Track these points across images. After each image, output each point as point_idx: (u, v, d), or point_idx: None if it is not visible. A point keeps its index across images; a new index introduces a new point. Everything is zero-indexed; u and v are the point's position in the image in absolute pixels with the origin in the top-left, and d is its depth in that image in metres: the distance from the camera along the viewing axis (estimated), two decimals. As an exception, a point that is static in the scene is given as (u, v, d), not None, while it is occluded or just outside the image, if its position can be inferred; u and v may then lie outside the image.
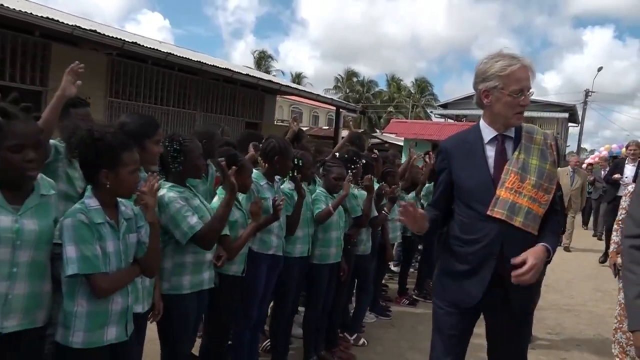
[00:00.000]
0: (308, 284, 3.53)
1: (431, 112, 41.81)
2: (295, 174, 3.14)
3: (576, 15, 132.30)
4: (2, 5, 6.73)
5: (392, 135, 21.75)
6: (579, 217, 11.74)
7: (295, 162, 3.16)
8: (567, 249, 9.47)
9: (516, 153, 2.14)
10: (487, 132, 2.19)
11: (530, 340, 2.45)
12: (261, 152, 3.11)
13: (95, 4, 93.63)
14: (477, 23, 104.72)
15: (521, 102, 2.09)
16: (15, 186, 1.86)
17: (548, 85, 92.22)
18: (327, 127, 25.78)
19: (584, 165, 12.69)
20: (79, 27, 7.77)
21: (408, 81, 52.87)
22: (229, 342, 3.03)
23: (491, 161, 2.16)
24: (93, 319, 1.89)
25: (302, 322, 3.61)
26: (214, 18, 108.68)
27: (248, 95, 13.65)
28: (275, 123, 17.18)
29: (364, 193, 3.79)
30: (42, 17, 7.22)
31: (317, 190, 3.52)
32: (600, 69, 27.65)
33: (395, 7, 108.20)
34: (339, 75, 49.72)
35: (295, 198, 3.22)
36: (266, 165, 3.10)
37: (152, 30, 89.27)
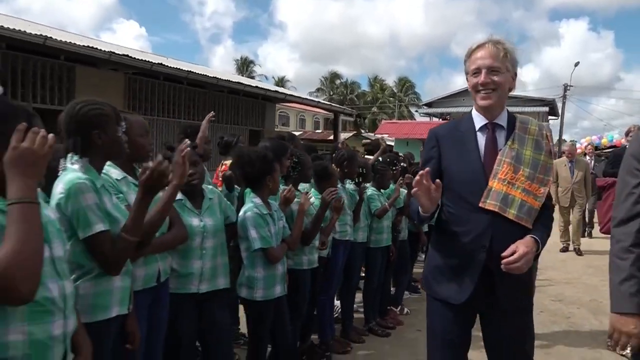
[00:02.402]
0: (366, 264, 4.40)
1: (416, 110, 42.83)
2: (360, 179, 4.02)
3: (552, 8, 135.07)
4: (47, 36, 7.49)
5: (385, 136, 22.64)
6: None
7: (360, 170, 4.03)
8: (578, 252, 8.53)
9: (509, 142, 2.07)
10: (478, 121, 2.13)
11: (531, 351, 2.17)
12: (334, 159, 3.97)
13: (69, 15, 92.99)
14: (455, 19, 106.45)
15: (479, 81, 2.03)
16: (193, 195, 2.69)
17: (527, 78, 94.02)
18: (320, 131, 26.73)
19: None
20: (114, 53, 8.56)
21: (390, 81, 53.79)
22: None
23: (482, 150, 2.09)
24: (267, 281, 2.78)
25: (363, 295, 4.48)
26: (191, 24, 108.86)
27: (250, 104, 14.45)
28: (275, 129, 18.03)
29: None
30: (83, 46, 8.01)
31: (369, 191, 4.37)
32: (577, 64, 28.82)
33: (373, 7, 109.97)
34: (322, 77, 50.71)
35: (357, 197, 4.08)
36: (338, 169, 3.95)
37: (128, 39, 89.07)
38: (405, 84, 49.12)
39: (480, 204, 2.02)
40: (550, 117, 34.31)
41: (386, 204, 4.35)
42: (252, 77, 36.24)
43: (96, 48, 8.29)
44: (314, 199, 3.37)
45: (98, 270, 1.85)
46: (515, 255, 1.88)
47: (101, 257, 1.83)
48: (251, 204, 2.83)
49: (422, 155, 2.48)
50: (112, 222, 1.85)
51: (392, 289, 5.16)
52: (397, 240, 4.71)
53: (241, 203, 2.99)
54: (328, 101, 31.71)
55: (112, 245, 1.81)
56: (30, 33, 7.38)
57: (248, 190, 2.96)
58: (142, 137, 2.23)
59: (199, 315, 2.58)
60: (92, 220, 1.79)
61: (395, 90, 49.21)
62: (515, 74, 2.09)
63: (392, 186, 4.70)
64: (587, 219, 10.13)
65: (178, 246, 2.42)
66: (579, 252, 8.46)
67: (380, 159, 4.81)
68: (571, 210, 8.59)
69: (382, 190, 4.53)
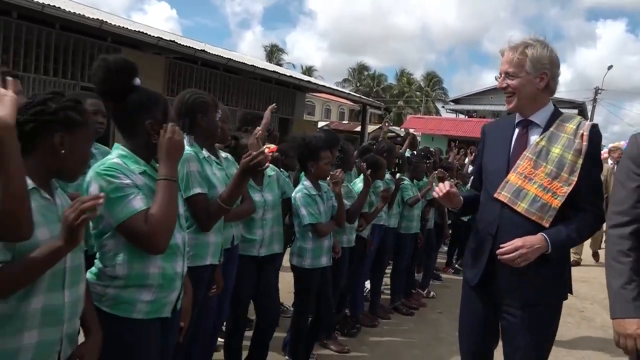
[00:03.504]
0: (396, 248, 4.79)
1: (443, 107, 42.67)
2: (396, 169, 4.40)
3: (589, 7, 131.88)
4: (102, 20, 7.99)
5: (412, 130, 22.84)
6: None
7: (397, 161, 4.42)
8: (576, 263, 7.73)
9: (538, 139, 2.10)
10: (518, 118, 2.21)
11: (546, 348, 2.14)
12: (375, 150, 4.35)
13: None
14: (489, 14, 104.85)
15: (497, 85, 2.19)
16: (255, 174, 3.11)
17: (559, 79, 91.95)
18: (346, 122, 27.11)
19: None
20: (162, 38, 9.05)
21: (417, 74, 53.46)
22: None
23: (513, 145, 2.17)
24: (315, 251, 3.21)
25: (390, 277, 4.88)
26: (221, 8, 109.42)
27: (282, 93, 14.85)
28: (304, 118, 18.48)
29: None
30: (134, 30, 8.52)
31: (404, 182, 4.74)
32: (610, 67, 28.36)
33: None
34: (350, 68, 50.81)
35: (393, 186, 4.47)
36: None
37: (159, 21, 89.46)
38: (432, 79, 48.83)
39: (495, 194, 2.10)
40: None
41: (419, 194, 4.73)
42: (280, 65, 36.66)
43: (146, 33, 8.78)
44: (361, 184, 3.79)
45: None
46: (508, 247, 1.95)
47: (196, 215, 2.26)
48: (301, 186, 3.27)
49: None
50: (211, 187, 2.29)
51: (417, 274, 5.55)
52: (424, 228, 5.09)
53: (296, 184, 3.41)
54: (355, 92, 32.10)
55: (206, 205, 2.24)
56: (89, 17, 7.90)
57: (302, 173, 3.38)
58: (225, 124, 2.65)
59: (258, 277, 3.01)
60: (192, 184, 2.23)
61: (423, 85, 48.98)
62: (545, 74, 2.08)
63: (425, 179, 5.06)
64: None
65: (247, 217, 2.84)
66: (595, 257, 8.17)
67: (409, 150, 5.18)
68: None
69: (414, 181, 4.91)
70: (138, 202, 1.67)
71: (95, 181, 1.68)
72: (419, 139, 20.41)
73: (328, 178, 3.27)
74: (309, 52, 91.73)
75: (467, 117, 32.39)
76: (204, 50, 10.15)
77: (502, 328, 2.17)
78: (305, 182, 3.29)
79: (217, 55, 10.57)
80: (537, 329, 2.09)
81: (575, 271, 6.91)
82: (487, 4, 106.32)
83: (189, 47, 9.80)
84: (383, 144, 4.32)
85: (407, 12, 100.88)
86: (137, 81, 1.84)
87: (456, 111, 36.23)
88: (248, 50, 67.31)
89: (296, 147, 3.36)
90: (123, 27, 8.40)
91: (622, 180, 1.88)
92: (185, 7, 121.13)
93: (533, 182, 2.04)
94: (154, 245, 1.68)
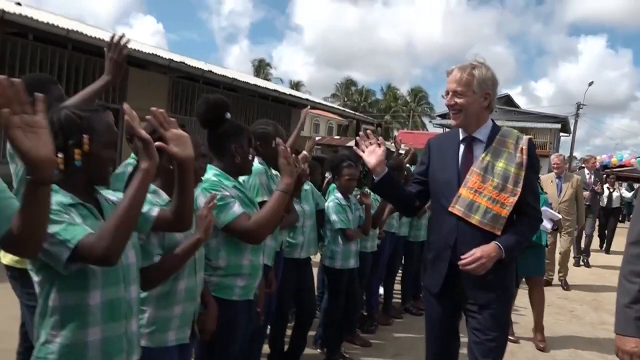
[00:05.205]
0: (405, 255, 5.28)
1: (430, 121, 43.54)
2: (404, 181, 4.90)
3: (571, 23, 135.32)
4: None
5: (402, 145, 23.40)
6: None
7: (405, 174, 4.92)
8: (564, 286, 7.05)
9: (482, 155, 2.27)
10: (461, 134, 2.37)
11: (500, 342, 2.32)
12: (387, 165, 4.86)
13: (88, 7, 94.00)
14: (473, 31, 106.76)
15: (445, 102, 2.33)
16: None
17: (542, 93, 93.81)
18: (338, 137, 27.78)
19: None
20: (173, 60, 9.55)
21: (403, 89, 54.29)
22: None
23: (460, 161, 2.33)
24: (344, 254, 3.71)
25: (401, 281, 5.37)
26: (207, 23, 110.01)
27: (278, 109, 15.36)
28: (300, 134, 18.99)
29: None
30: (149, 53, 8.99)
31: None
32: (591, 84, 29.50)
33: (391, 13, 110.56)
34: (338, 83, 51.53)
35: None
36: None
37: (145, 35, 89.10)
38: (418, 94, 49.73)
39: (449, 208, 2.26)
40: (562, 133, 34.95)
41: (425, 207, 5.19)
42: (268, 80, 37.20)
43: (159, 55, 9.27)
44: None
45: None
46: (469, 258, 2.14)
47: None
48: (333, 197, 3.81)
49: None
50: None
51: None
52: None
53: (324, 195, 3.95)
54: (342, 107, 32.79)
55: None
56: (103, 39, 8.35)
57: (332, 186, 3.89)
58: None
59: (297, 277, 3.48)
60: (261, 193, 2.68)
61: (409, 100, 49.85)
62: (488, 94, 2.27)
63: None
64: (583, 245, 9.08)
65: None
66: (565, 286, 7.01)
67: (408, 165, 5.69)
68: (559, 235, 6.96)
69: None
70: (237, 208, 2.16)
71: (203, 195, 2.16)
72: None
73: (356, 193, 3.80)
74: (296, 66, 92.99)
75: (454, 131, 33.07)
76: (211, 71, 10.67)
77: (468, 324, 2.35)
78: (336, 194, 3.81)
79: (222, 75, 11.10)
80: (500, 321, 2.30)
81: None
82: (472, 20, 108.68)
83: (198, 67, 10.32)
84: (392, 161, 4.80)
85: (393, 27, 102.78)
86: (228, 115, 2.32)
87: (443, 126, 37.03)
88: (235, 64, 68.15)
89: (326, 164, 3.86)
90: (136, 49, 8.83)
91: None
92: (171, 22, 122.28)
93: (483, 195, 2.21)
94: (255, 237, 2.17)
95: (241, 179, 2.44)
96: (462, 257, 2.17)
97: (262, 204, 2.69)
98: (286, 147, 2.19)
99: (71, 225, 1.35)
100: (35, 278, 1.45)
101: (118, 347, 1.51)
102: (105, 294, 1.47)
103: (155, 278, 1.77)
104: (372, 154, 2.36)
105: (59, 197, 1.40)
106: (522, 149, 2.25)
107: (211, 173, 2.27)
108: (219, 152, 2.32)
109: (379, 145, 2.35)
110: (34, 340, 1.49)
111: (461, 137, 2.36)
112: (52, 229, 1.31)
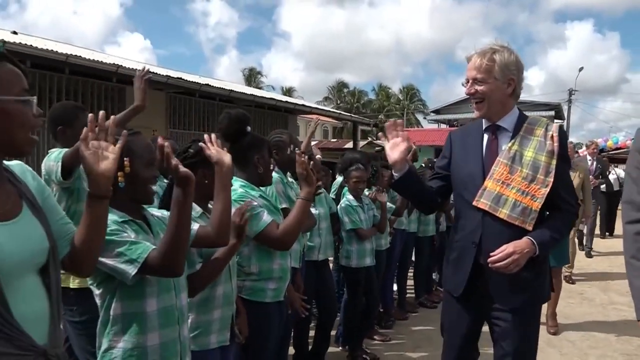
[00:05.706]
0: (416, 250, 5.41)
1: (424, 118, 43.70)
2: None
3: (557, 10, 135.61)
4: (119, 65, 8.60)
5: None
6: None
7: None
8: (569, 280, 6.62)
9: (509, 144, 2.09)
10: (485, 124, 2.21)
11: (535, 348, 2.19)
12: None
13: (75, 28, 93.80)
14: (460, 24, 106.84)
15: (465, 91, 2.16)
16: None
17: (533, 81, 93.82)
18: (334, 140, 27.97)
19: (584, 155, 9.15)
20: (170, 76, 9.69)
21: (395, 88, 54.34)
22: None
23: (484, 152, 2.16)
24: (359, 253, 3.85)
25: (413, 276, 5.50)
26: (195, 36, 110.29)
27: (275, 117, 15.50)
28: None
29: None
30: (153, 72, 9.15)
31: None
32: (581, 69, 29.76)
33: (377, 13, 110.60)
34: (330, 86, 51.72)
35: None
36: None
37: (133, 52, 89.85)
38: (409, 92, 49.93)
39: (474, 202, 2.08)
40: (556, 120, 35.11)
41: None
42: (260, 88, 37.35)
43: (156, 73, 9.40)
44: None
45: None
46: (499, 254, 1.94)
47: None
48: (345, 199, 3.95)
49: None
50: (292, 204, 2.88)
51: (434, 274, 6.18)
52: (438, 231, 5.72)
53: (338, 198, 4.07)
54: (336, 109, 33.03)
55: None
56: (106, 62, 8.50)
57: (345, 188, 4.03)
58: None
59: (317, 278, 3.61)
60: (280, 201, 2.82)
61: (401, 98, 50.05)
62: (512, 80, 2.09)
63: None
64: (586, 230, 8.63)
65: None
66: (569, 280, 6.60)
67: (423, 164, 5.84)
68: None
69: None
70: (267, 217, 2.29)
71: (233, 207, 2.28)
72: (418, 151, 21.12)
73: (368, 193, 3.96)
74: (287, 73, 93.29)
75: (449, 126, 33.33)
76: (207, 85, 10.82)
77: (494, 333, 2.17)
78: (348, 196, 3.95)
79: (219, 87, 11.24)
80: (528, 331, 2.12)
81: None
82: (458, 14, 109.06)
83: (196, 82, 10.47)
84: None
85: (380, 27, 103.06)
86: (249, 128, 2.46)
87: (438, 121, 37.22)
88: (225, 75, 68.14)
89: (337, 167, 4.02)
90: (134, 68, 8.98)
91: (632, 174, 1.78)
92: (159, 37, 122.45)
93: (511, 187, 2.03)
94: (283, 244, 2.31)
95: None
96: (492, 253, 1.97)
97: (282, 211, 2.85)
98: (304, 157, 2.29)
99: (134, 244, 1.51)
100: (96, 291, 1.59)
101: (173, 351, 1.65)
102: (160, 302, 1.61)
103: (199, 284, 1.90)
104: (395, 148, 2.12)
105: (113, 216, 1.53)
106: (552, 136, 2.09)
107: (237, 185, 2.40)
108: (243, 163, 2.45)
109: (404, 139, 2.12)
110: (97, 350, 1.62)
111: (485, 127, 2.21)
112: (118, 249, 1.47)
